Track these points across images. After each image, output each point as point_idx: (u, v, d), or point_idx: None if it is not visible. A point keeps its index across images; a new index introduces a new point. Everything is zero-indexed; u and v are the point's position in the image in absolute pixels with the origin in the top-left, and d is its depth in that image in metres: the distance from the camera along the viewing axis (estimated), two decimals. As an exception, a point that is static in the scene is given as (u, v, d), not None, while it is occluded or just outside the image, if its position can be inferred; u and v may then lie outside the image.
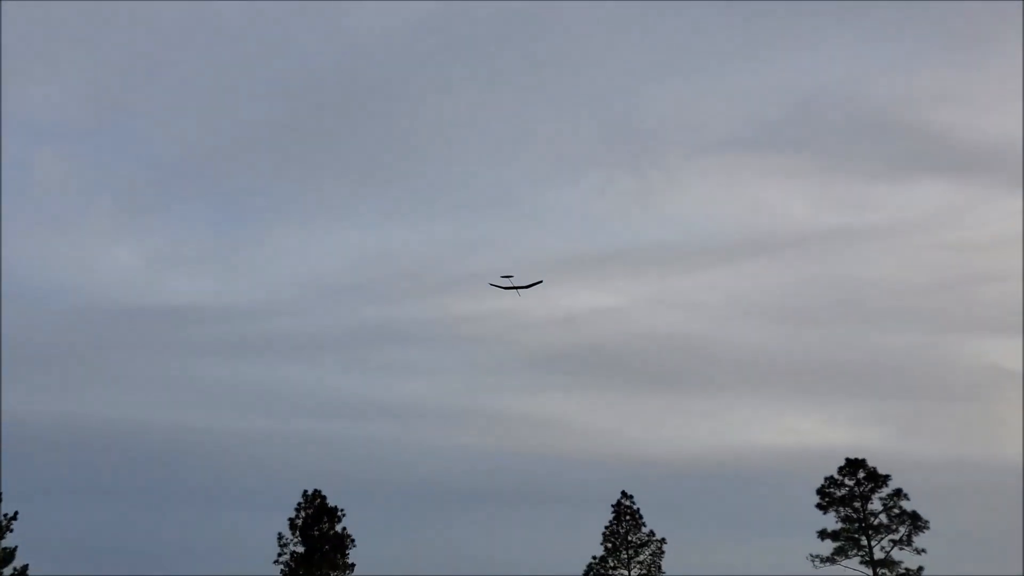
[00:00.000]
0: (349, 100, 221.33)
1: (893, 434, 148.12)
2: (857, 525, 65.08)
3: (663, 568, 66.63)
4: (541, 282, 50.45)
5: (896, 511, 64.58)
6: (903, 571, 63.68)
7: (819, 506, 66.57)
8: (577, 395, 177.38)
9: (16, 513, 55.70)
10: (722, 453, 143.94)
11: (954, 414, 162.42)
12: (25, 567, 55.34)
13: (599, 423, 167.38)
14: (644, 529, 67.85)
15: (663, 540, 67.21)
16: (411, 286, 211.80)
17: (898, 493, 64.97)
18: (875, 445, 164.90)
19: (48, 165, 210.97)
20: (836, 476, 66.89)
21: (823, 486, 66.93)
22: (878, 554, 64.19)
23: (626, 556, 66.84)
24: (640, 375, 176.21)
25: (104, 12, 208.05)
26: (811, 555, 65.42)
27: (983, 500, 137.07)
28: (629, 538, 67.49)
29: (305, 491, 65.17)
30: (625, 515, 68.17)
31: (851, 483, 66.18)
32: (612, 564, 66.88)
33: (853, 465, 66.74)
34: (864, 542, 64.65)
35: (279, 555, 62.82)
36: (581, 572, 67.24)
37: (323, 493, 65.07)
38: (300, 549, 62.79)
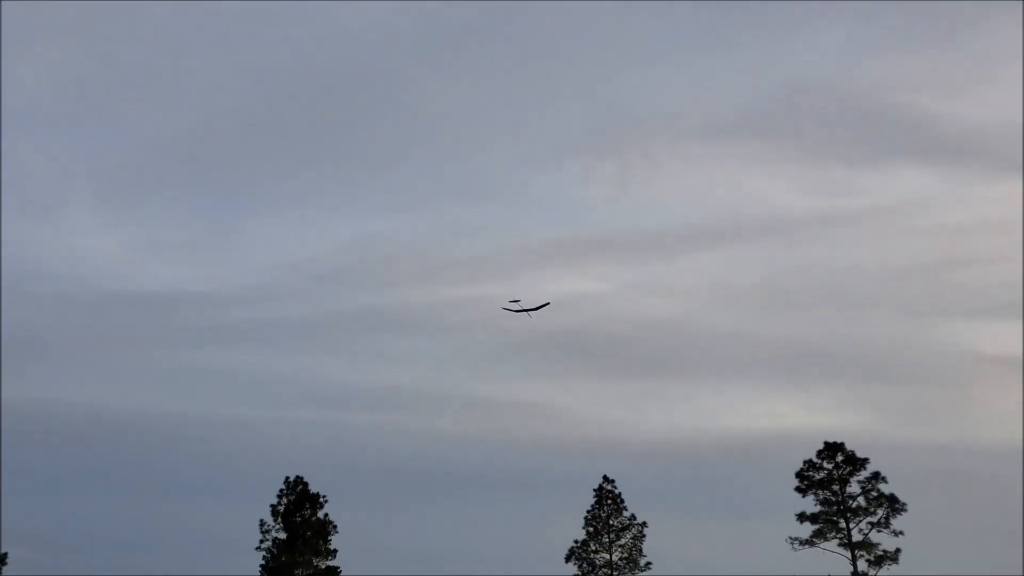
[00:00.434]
0: (333, 87, 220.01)
1: (872, 418, 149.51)
2: (835, 508, 65.76)
3: (644, 551, 67.10)
4: (548, 304, 51.25)
5: (874, 494, 65.28)
6: (881, 553, 64.42)
7: (798, 489, 67.21)
8: (560, 381, 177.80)
9: (-6, 502, 55.54)
10: (703, 437, 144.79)
11: (933, 398, 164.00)
12: (4, 555, 55.21)
13: (582, 408, 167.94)
14: (625, 513, 68.26)
15: (644, 524, 67.66)
16: (394, 273, 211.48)
17: (876, 476, 65.67)
18: (854, 429, 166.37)
19: (28, 153, 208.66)
20: (815, 460, 67.51)
21: (802, 469, 67.57)
22: (856, 536, 64.92)
23: (607, 540, 67.27)
24: (623, 360, 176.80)
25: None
26: (790, 538, 66.14)
27: (960, 483, 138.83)
28: (610, 522, 67.88)
29: (287, 478, 65.21)
30: (607, 499, 68.58)
31: (830, 466, 66.83)
32: (594, 548, 67.28)
33: (832, 449, 67.37)
34: (842, 524, 65.35)
35: (261, 542, 62.90)
36: (563, 556, 67.69)
37: (305, 480, 65.13)
38: (282, 535, 62.86)
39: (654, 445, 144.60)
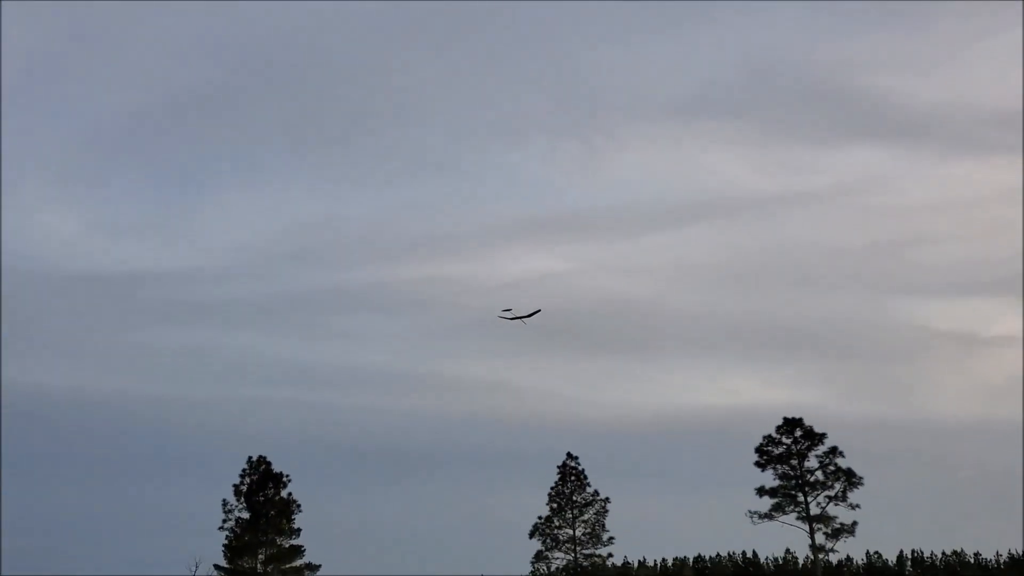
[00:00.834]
0: (295, 67, 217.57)
1: (829, 394, 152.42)
2: (794, 482, 66.77)
3: (607, 526, 67.81)
4: (540, 311, 52.75)
5: (831, 468, 66.32)
6: (838, 526, 65.57)
7: (758, 464, 68.10)
8: (523, 359, 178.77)
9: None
10: (665, 414, 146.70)
11: (888, 374, 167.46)
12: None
13: (545, 386, 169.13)
14: (589, 489, 68.87)
15: (607, 499, 68.39)
16: (356, 252, 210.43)
17: (834, 451, 66.71)
18: (812, 405, 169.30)
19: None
20: (774, 435, 68.40)
21: (761, 444, 68.45)
22: (814, 510, 65.99)
23: (571, 515, 67.85)
24: (585, 339, 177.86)
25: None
26: (750, 511, 67.08)
27: (915, 457, 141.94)
28: (574, 498, 68.44)
29: (250, 457, 64.82)
30: (570, 476, 69.10)
31: (788, 441, 67.76)
32: (557, 523, 67.85)
33: (790, 424, 68.30)
34: (801, 498, 66.36)
35: (224, 521, 62.55)
36: (527, 532, 68.19)
37: (268, 459, 64.74)
38: (245, 515, 62.53)
39: (617, 422, 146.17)
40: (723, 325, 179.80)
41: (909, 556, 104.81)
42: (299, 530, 62.61)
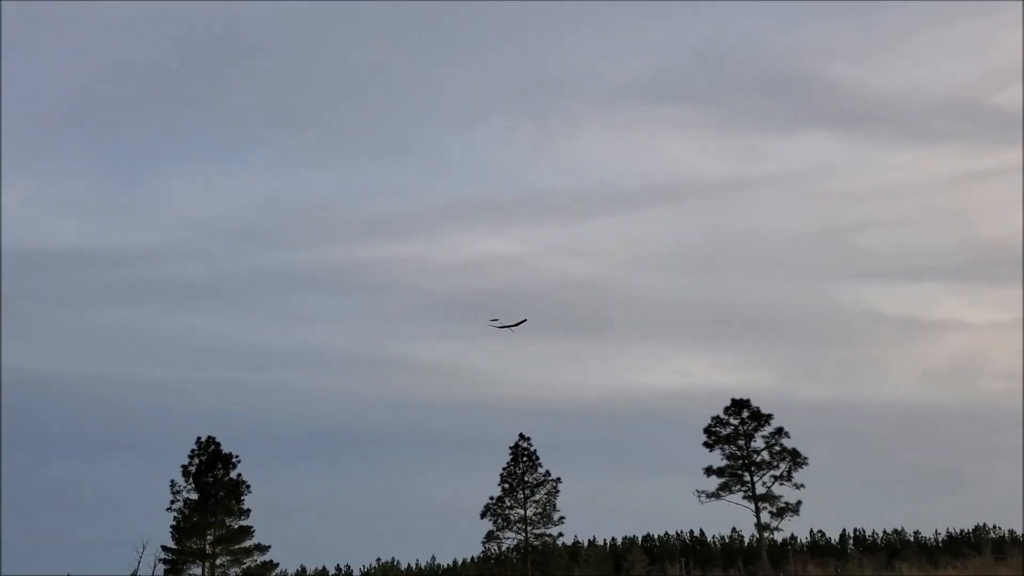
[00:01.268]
0: (250, 46, 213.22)
1: (776, 376, 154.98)
2: (741, 462, 68.08)
3: (558, 507, 68.49)
4: (526, 320, 54.47)
5: (777, 448, 67.74)
6: (783, 505, 67.05)
7: (706, 444, 69.28)
8: (476, 341, 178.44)
9: None
10: (617, 395, 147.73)
11: (834, 357, 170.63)
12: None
13: (498, 368, 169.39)
14: (540, 470, 69.41)
15: (558, 480, 68.99)
16: (308, 231, 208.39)
17: (779, 431, 68.11)
18: (759, 386, 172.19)
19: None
20: (722, 416, 69.63)
21: (710, 425, 69.64)
22: (760, 489, 67.36)
23: (522, 496, 68.35)
24: (540, 321, 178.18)
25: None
26: (697, 491, 68.30)
27: (859, 438, 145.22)
28: (526, 478, 68.94)
29: (199, 438, 64.22)
30: (522, 456, 69.57)
31: (736, 422, 69.04)
32: (509, 504, 68.33)
33: (738, 405, 69.58)
34: (747, 478, 67.73)
35: (172, 502, 61.98)
36: (479, 512, 68.56)
37: (217, 440, 64.21)
38: (194, 496, 62.01)
39: (570, 403, 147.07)
40: (675, 308, 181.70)
41: (851, 534, 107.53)
42: (248, 511, 62.28)
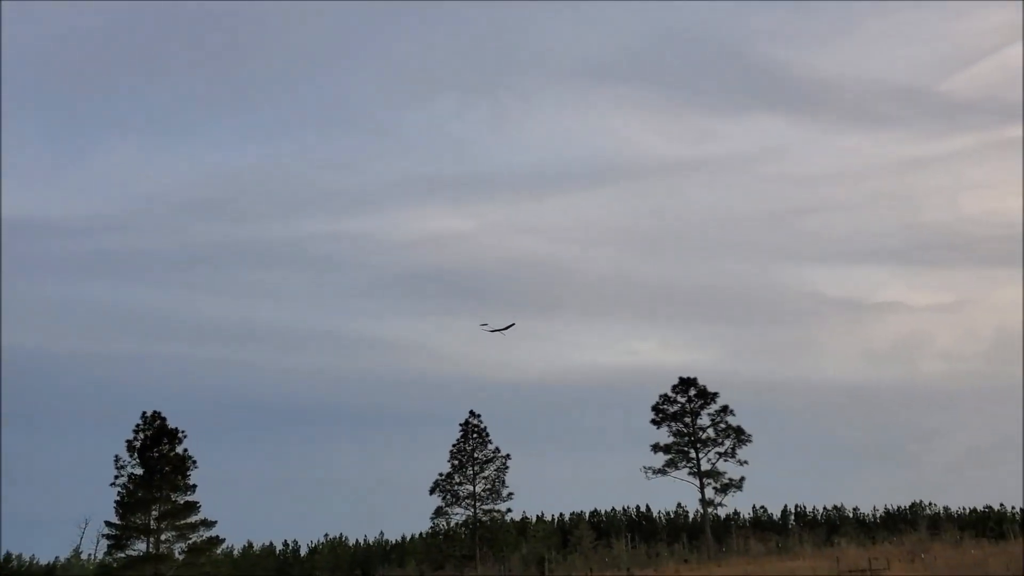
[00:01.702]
0: (198, 13, 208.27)
1: (724, 355, 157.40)
2: (687, 439, 69.30)
3: (507, 483, 68.90)
4: (514, 324, 55.06)
5: (722, 426, 69.14)
6: (727, 481, 68.50)
7: (653, 422, 70.43)
8: (427, 318, 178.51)
9: None
10: (567, 374, 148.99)
11: (779, 337, 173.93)
12: None
13: (449, 345, 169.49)
14: (490, 446, 69.63)
15: (507, 456, 69.34)
16: (259, 205, 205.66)
17: (725, 409, 69.49)
18: (706, 365, 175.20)
19: None
20: (670, 394, 70.78)
21: (657, 403, 70.74)
22: (705, 466, 68.75)
23: (472, 472, 68.61)
24: (490, 298, 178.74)
25: None
26: (644, 467, 69.42)
27: (801, 417, 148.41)
28: (475, 455, 69.13)
29: (144, 413, 63.20)
30: (472, 433, 69.74)
31: (683, 400, 70.22)
32: (458, 480, 68.55)
33: (685, 384, 70.73)
34: (692, 454, 69.01)
35: (116, 477, 61.01)
36: (428, 488, 68.76)
37: (163, 415, 63.29)
38: (139, 471, 61.16)
39: (520, 381, 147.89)
40: (625, 287, 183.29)
41: (792, 510, 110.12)
42: (194, 486, 61.48)
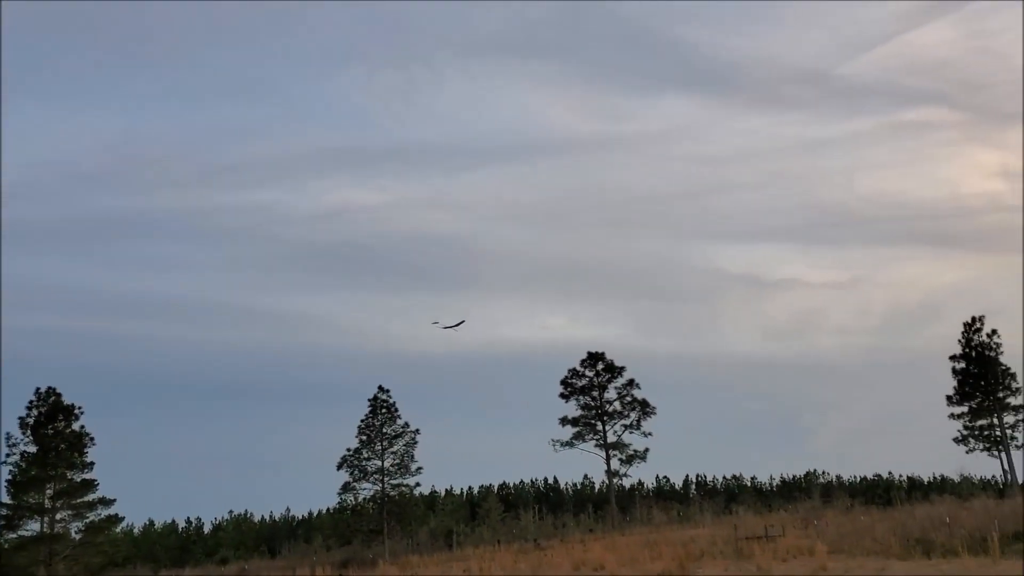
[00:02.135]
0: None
1: (630, 330, 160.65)
2: (594, 412, 70.63)
3: (415, 457, 68.90)
4: (464, 321, 54.91)
5: (628, 399, 70.66)
6: (632, 452, 70.16)
7: (562, 395, 71.49)
8: (337, 292, 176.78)
9: None
10: (480, 349, 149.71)
11: (684, 313, 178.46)
12: None
13: (359, 320, 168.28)
14: (399, 421, 69.39)
15: (417, 431, 69.25)
16: (165, 175, 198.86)
17: (631, 383, 70.99)
18: (615, 340, 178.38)
19: None
20: (578, 368, 71.88)
21: (566, 377, 71.83)
22: (611, 438, 70.24)
23: (380, 447, 68.31)
24: (401, 273, 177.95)
25: None
26: (552, 440, 70.47)
27: (704, 389, 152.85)
28: (384, 430, 68.81)
29: (37, 388, 60.81)
30: (381, 408, 69.35)
31: (591, 374, 71.44)
32: (366, 455, 68.17)
33: (593, 358, 71.94)
34: (599, 427, 70.40)
35: (7, 456, 58.65)
36: (335, 464, 68.25)
37: (58, 391, 61.01)
38: (32, 449, 58.92)
39: (431, 356, 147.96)
40: (536, 263, 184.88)
41: (694, 480, 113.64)
42: (92, 464, 59.51)
